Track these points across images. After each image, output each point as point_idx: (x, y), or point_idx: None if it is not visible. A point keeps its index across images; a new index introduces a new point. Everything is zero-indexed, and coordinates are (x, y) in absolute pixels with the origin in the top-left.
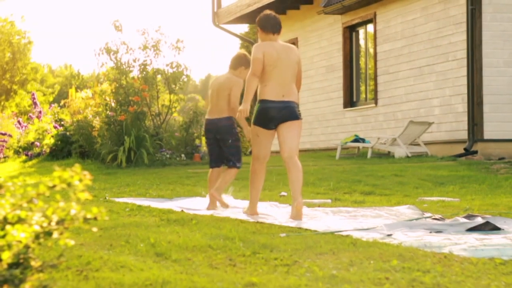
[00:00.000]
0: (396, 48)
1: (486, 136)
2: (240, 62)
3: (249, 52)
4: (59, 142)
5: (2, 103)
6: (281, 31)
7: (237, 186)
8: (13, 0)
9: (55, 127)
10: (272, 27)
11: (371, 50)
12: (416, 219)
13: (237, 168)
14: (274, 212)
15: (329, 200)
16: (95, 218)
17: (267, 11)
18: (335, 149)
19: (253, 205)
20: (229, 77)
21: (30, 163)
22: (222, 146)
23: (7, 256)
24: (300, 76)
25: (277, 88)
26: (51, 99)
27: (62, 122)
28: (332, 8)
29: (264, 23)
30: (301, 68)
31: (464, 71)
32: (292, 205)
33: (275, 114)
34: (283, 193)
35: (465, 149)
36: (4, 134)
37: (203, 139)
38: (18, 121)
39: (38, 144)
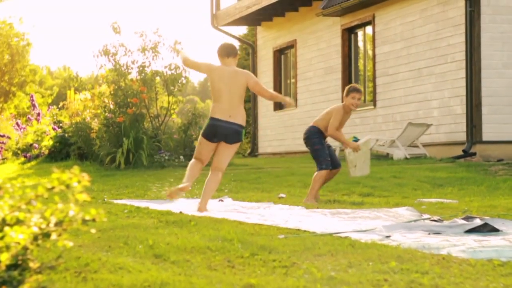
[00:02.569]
0: (395, 50)
1: (485, 138)
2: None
3: (247, 54)
4: (58, 144)
5: (1, 105)
6: (235, 56)
7: (235, 187)
8: (11, 2)
9: (53, 129)
10: (223, 53)
11: (370, 52)
12: (415, 220)
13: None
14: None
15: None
16: (93, 220)
17: (224, 42)
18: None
19: (174, 192)
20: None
21: (28, 164)
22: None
23: (5, 258)
24: (260, 88)
25: (224, 109)
26: (49, 101)
27: (60, 124)
28: (330, 10)
29: (218, 50)
30: (255, 82)
31: (462, 73)
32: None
33: (220, 131)
34: (281, 195)
35: (463, 150)
36: (2, 136)
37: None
38: (17, 123)
39: (36, 146)
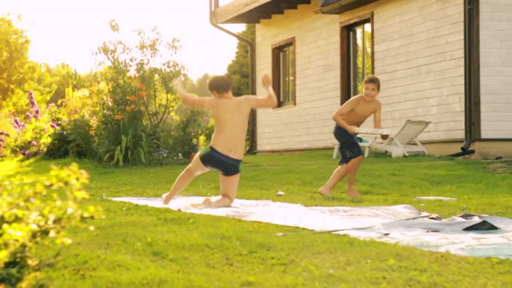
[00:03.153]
0: (394, 48)
1: (483, 135)
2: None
3: (246, 51)
4: (56, 141)
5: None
6: (231, 88)
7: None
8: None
9: (52, 126)
10: (221, 89)
11: (369, 50)
12: (413, 218)
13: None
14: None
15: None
16: (92, 217)
17: (216, 76)
18: (333, 148)
19: (169, 198)
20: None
21: (27, 162)
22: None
23: (4, 255)
24: (262, 101)
25: (226, 142)
26: (48, 98)
27: (59, 121)
28: (329, 7)
29: (215, 87)
30: (259, 102)
31: (461, 71)
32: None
33: (217, 164)
34: (280, 192)
35: (462, 148)
36: (1, 133)
37: (200, 138)
38: (15, 120)
39: (35, 143)
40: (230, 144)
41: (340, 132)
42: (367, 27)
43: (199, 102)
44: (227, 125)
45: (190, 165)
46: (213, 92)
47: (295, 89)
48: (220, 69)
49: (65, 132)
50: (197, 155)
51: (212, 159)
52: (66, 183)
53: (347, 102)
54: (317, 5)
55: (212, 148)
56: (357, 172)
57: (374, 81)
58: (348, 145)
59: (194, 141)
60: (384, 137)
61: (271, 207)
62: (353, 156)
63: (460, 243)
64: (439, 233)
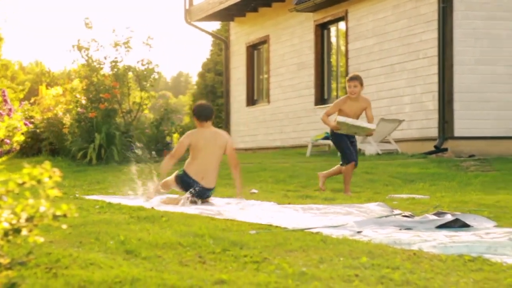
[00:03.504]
0: (367, 46)
1: (457, 133)
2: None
3: (220, 49)
4: (29, 139)
5: None
6: (212, 118)
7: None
8: None
9: (25, 124)
10: (202, 118)
11: (343, 48)
12: (386, 216)
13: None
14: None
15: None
16: (64, 215)
17: (202, 102)
18: (306, 146)
19: (152, 193)
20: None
21: None
22: None
23: None
24: (233, 154)
25: (199, 169)
26: (21, 96)
27: (32, 119)
28: (303, 5)
29: (199, 113)
30: (232, 149)
31: (435, 69)
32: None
33: (189, 188)
34: (253, 190)
35: (435, 146)
36: None
37: (174, 136)
38: None
39: (8, 141)
40: (202, 172)
41: (333, 139)
42: (341, 25)
43: (182, 148)
44: (201, 152)
45: (168, 178)
46: (194, 118)
47: (269, 87)
48: (195, 67)
49: (38, 130)
50: (174, 174)
51: (184, 183)
52: (39, 181)
53: (334, 102)
54: (292, 3)
55: (184, 172)
56: (351, 178)
57: (356, 79)
58: (341, 151)
59: (168, 139)
60: (369, 134)
61: (245, 205)
62: (344, 163)
63: (432, 240)
64: (412, 231)
